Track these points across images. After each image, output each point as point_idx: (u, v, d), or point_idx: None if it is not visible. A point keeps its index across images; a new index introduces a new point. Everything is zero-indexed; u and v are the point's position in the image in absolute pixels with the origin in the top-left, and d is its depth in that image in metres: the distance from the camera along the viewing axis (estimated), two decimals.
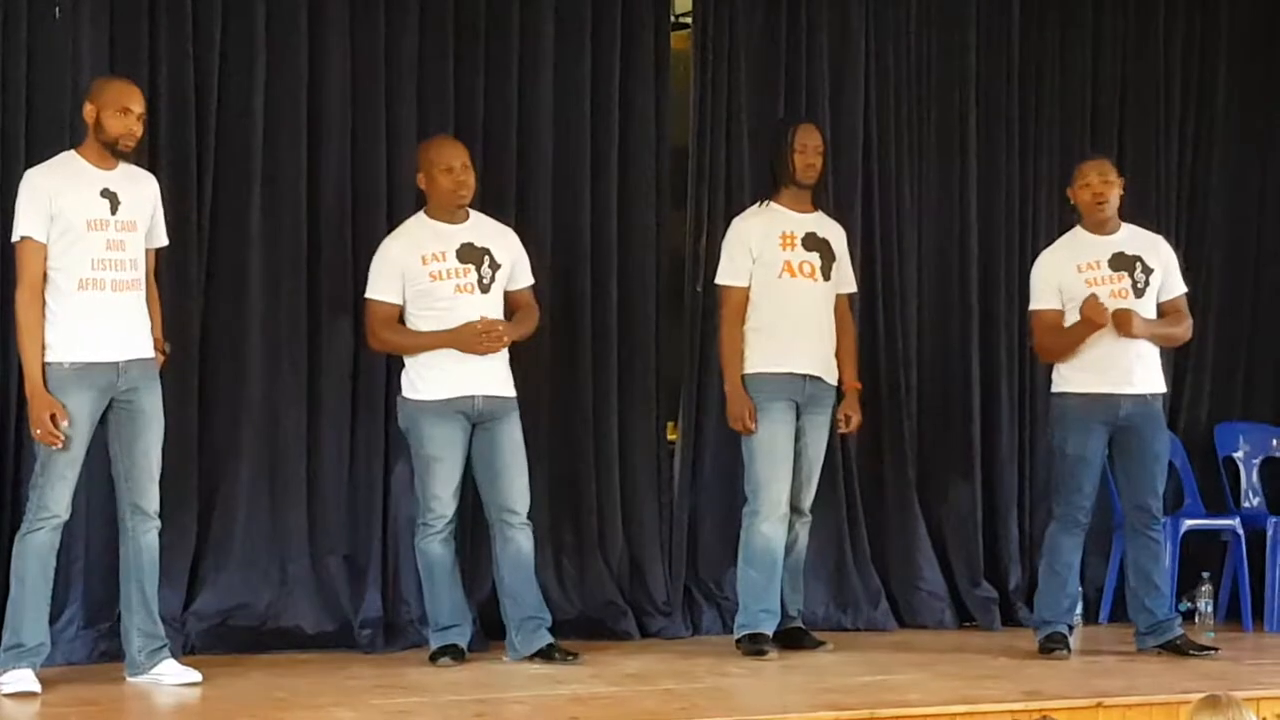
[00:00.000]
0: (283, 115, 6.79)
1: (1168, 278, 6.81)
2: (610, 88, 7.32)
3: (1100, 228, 6.78)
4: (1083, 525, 6.75)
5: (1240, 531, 7.74)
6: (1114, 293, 6.69)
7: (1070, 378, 6.73)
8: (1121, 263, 6.73)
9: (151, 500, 5.88)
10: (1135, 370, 6.69)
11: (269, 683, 6.02)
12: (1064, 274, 6.74)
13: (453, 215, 6.45)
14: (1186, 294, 6.89)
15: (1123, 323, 6.63)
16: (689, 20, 7.63)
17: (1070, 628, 6.83)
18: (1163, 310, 6.81)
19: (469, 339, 6.34)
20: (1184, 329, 6.89)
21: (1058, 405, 6.79)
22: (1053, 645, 6.70)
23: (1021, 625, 7.58)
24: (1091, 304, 6.62)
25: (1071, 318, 6.71)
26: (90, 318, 5.75)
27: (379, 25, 6.94)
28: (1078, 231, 6.86)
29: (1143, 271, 6.73)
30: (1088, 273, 6.70)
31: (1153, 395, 6.76)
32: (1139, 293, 6.72)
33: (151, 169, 6.20)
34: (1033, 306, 6.86)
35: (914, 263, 7.82)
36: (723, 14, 7.50)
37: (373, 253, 6.58)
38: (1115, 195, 6.78)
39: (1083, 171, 6.81)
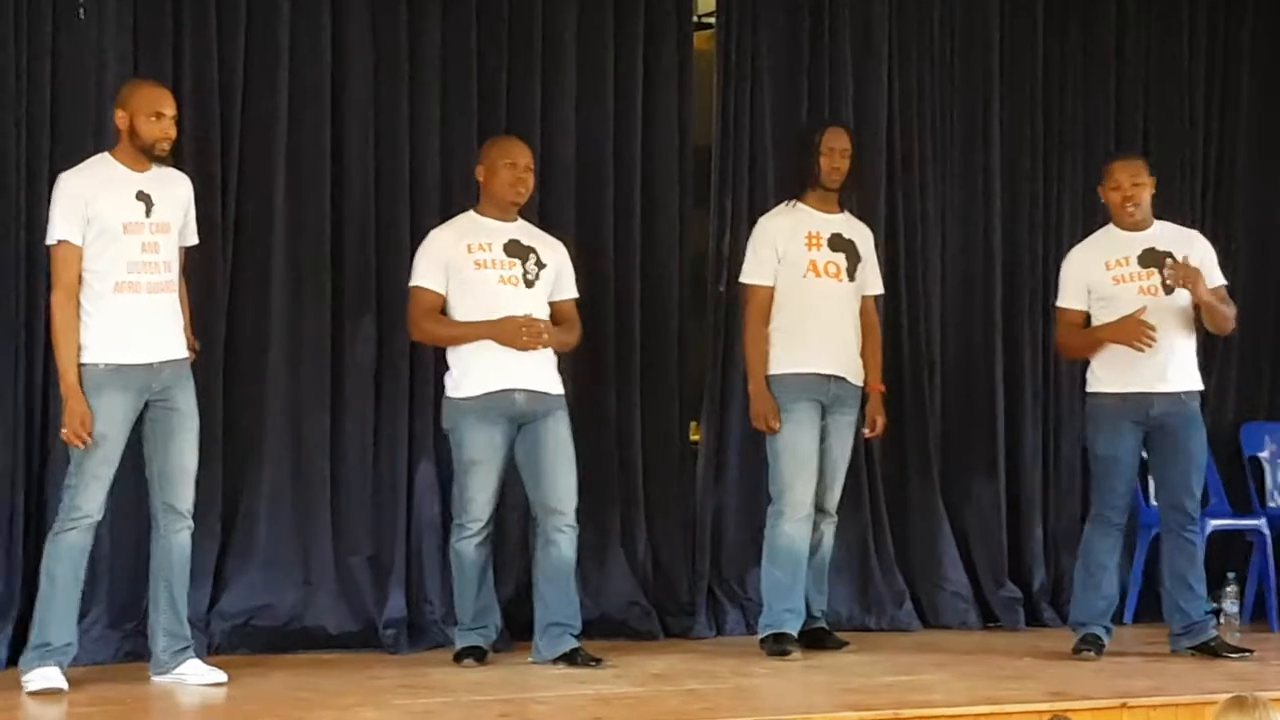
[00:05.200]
0: (306, 115, 6.80)
1: (1204, 272, 6.67)
2: (633, 87, 7.32)
3: (1132, 226, 6.75)
4: (1117, 526, 6.71)
5: (1266, 531, 7.71)
6: (1142, 289, 6.65)
7: (1103, 377, 6.70)
8: (1151, 259, 6.68)
9: (185, 500, 5.90)
10: (1168, 368, 6.63)
11: (293, 683, 6.03)
12: (1092, 272, 6.72)
13: (504, 213, 6.44)
14: (1227, 286, 6.81)
15: (1193, 280, 6.52)
16: (712, 20, 7.63)
17: (1108, 629, 6.75)
18: None
19: (510, 331, 6.29)
20: (1233, 311, 6.77)
21: (1091, 405, 6.76)
22: (1083, 647, 6.66)
23: (1046, 625, 7.58)
24: (1134, 325, 6.55)
25: (1098, 314, 6.69)
26: (126, 320, 5.77)
27: (401, 25, 6.95)
28: (1110, 229, 6.82)
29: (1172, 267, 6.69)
30: (1116, 269, 6.67)
31: (1187, 394, 6.71)
32: (1169, 289, 6.65)
33: (176, 169, 6.21)
34: (1057, 303, 6.85)
35: (937, 264, 7.80)
36: (746, 14, 7.50)
37: (395, 254, 6.58)
38: (1146, 196, 6.72)
39: (1111, 173, 6.77)
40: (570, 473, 6.39)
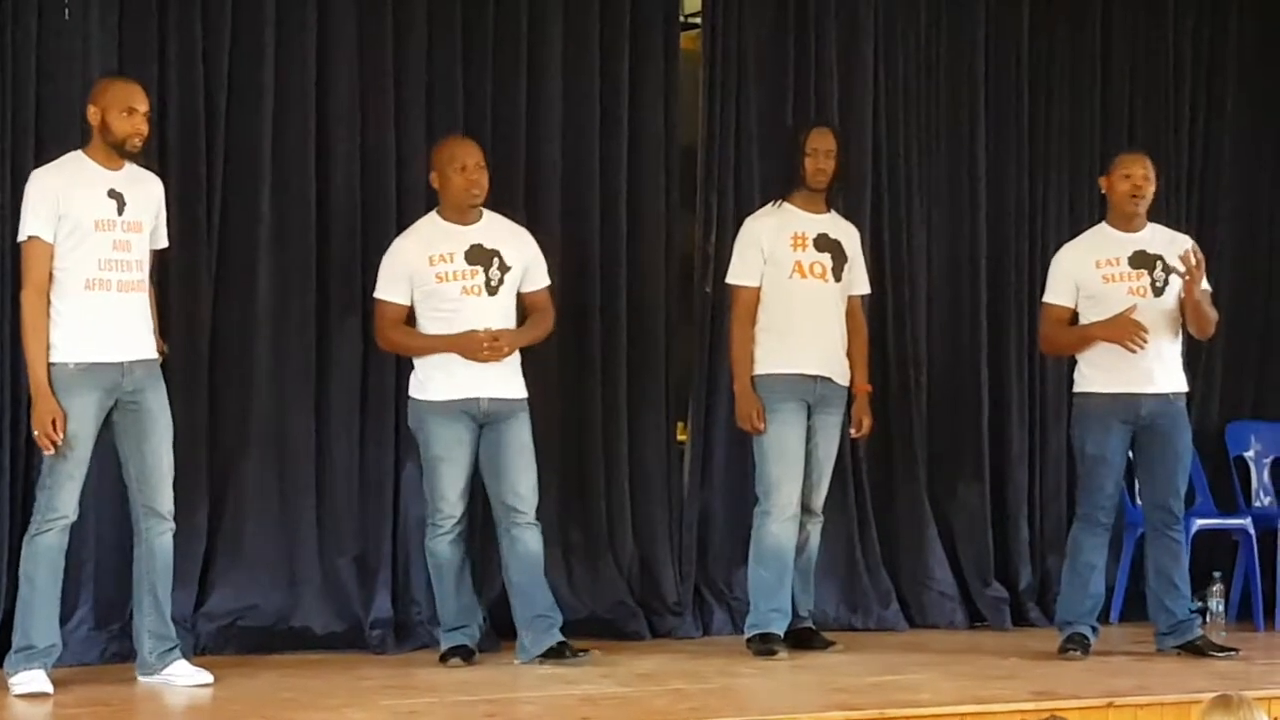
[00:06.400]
0: (292, 116, 6.79)
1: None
2: (619, 88, 7.32)
3: (1127, 223, 6.76)
4: (1105, 525, 6.72)
5: (1252, 531, 7.73)
6: (1131, 290, 6.67)
7: (1092, 378, 6.71)
8: (1142, 261, 6.70)
9: (165, 502, 5.89)
10: (1155, 370, 6.65)
11: (279, 683, 6.03)
12: (1082, 270, 6.73)
13: (464, 215, 6.45)
14: (1209, 292, 6.83)
15: (1199, 271, 6.56)
16: (698, 20, 7.63)
17: (1094, 629, 6.77)
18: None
19: (471, 346, 6.32)
20: (1215, 316, 6.80)
21: (1079, 405, 6.77)
22: (1069, 646, 6.67)
23: (1033, 625, 7.59)
24: (1127, 323, 6.58)
25: (1086, 312, 6.71)
26: (96, 318, 5.75)
27: (387, 26, 6.94)
28: (1103, 227, 6.84)
29: (1163, 271, 6.69)
30: (1106, 269, 6.69)
31: (1175, 395, 6.74)
32: (1158, 292, 6.68)
33: (161, 170, 6.21)
34: (1045, 298, 6.86)
35: (923, 263, 7.81)
36: (732, 14, 7.50)
37: (381, 254, 6.58)
38: (1151, 193, 6.74)
39: (1125, 162, 6.77)
40: (530, 473, 6.41)
